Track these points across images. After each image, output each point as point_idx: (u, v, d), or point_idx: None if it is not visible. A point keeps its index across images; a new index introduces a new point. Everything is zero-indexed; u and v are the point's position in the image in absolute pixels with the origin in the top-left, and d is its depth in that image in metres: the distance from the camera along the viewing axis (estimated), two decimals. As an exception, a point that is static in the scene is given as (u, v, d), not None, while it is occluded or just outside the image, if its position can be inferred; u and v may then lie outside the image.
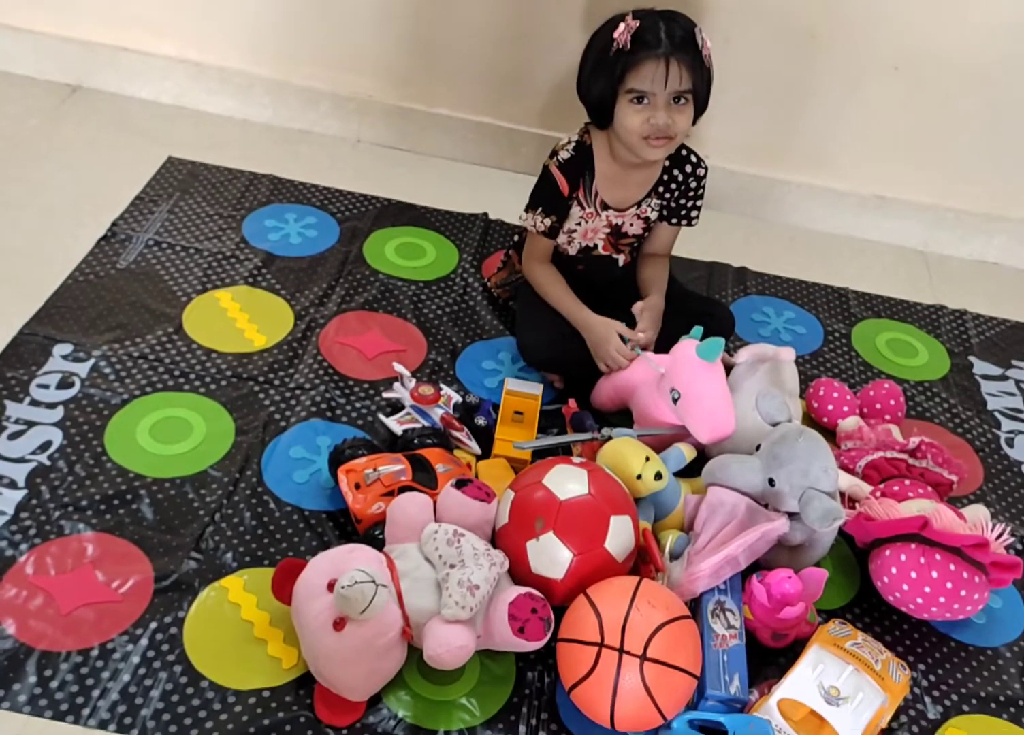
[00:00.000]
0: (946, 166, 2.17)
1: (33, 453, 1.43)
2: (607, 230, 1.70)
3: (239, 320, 1.73)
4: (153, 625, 1.25)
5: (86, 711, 1.15)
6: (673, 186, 1.68)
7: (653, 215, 1.71)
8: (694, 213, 1.73)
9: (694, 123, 1.57)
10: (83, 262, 1.78)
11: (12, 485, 1.38)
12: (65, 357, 1.59)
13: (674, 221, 1.73)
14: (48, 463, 1.42)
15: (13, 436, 1.45)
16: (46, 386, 1.53)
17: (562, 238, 1.71)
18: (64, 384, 1.54)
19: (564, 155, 1.63)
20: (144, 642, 1.23)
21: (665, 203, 1.70)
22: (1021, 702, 1.36)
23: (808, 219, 2.27)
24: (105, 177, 2.00)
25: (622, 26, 1.47)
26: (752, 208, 2.26)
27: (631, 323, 1.63)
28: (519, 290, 1.80)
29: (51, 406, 1.50)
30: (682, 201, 1.70)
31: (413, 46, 2.14)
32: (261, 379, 1.62)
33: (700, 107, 1.56)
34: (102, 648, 1.21)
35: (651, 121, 1.51)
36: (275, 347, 1.69)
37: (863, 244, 2.27)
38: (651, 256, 1.78)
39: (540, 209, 1.66)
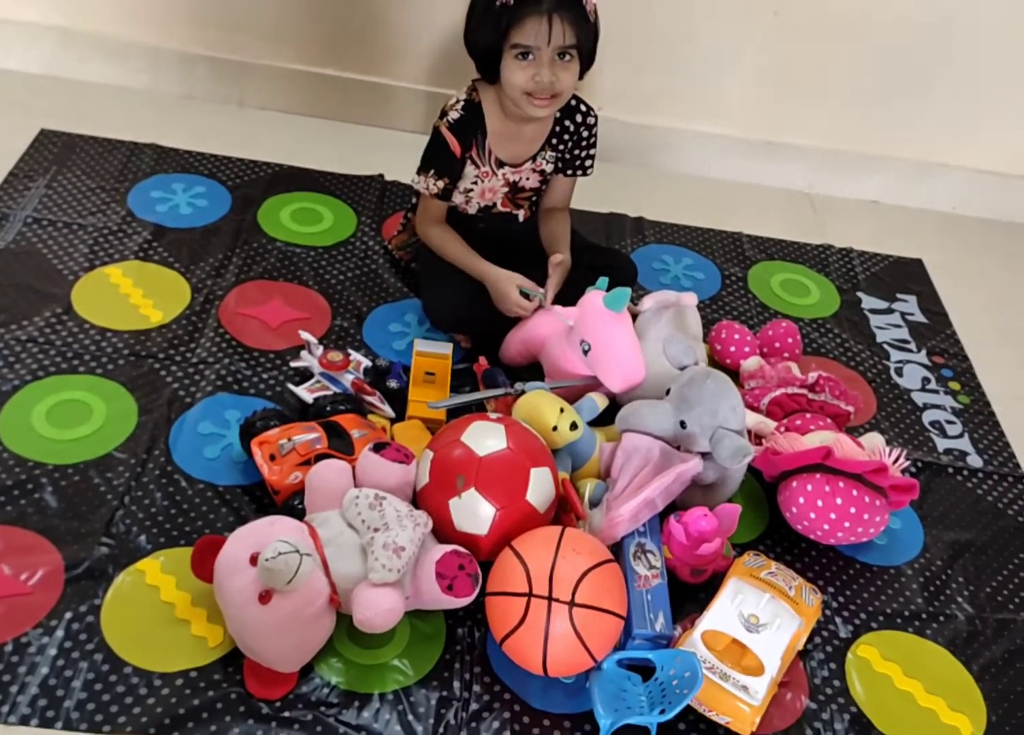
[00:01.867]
0: (828, 109, 2.23)
1: (-79, 448, 1.36)
2: (505, 189, 1.70)
3: (132, 296, 1.66)
4: (68, 615, 1.21)
5: (5, 708, 1.12)
6: (566, 137, 1.68)
7: (549, 168, 1.71)
8: (588, 162, 1.73)
9: (581, 77, 1.57)
10: (-43, 244, 1.69)
11: (-99, 483, 1.31)
12: (-54, 345, 1.51)
13: (569, 172, 1.74)
14: (-62, 457, 1.35)
15: None
16: (-72, 377, 1.46)
17: (459, 198, 1.70)
18: (-52, 374, 1.47)
19: (454, 115, 1.61)
20: (60, 633, 1.19)
21: (559, 155, 1.70)
22: (924, 615, 1.45)
23: (700, 167, 2.31)
24: (-27, 153, 1.90)
25: None
26: (645, 158, 2.29)
27: (540, 276, 1.63)
28: (420, 252, 1.78)
29: (-64, 398, 1.43)
30: (576, 151, 1.71)
31: (293, 5, 2.07)
32: (161, 356, 1.57)
33: (586, 62, 1.56)
34: (16, 643, 1.17)
35: (536, 78, 1.51)
36: (173, 322, 1.64)
37: (753, 189, 2.32)
38: (551, 210, 1.78)
39: (432, 171, 1.64)
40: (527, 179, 1.71)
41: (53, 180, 1.87)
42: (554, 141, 1.68)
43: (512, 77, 1.52)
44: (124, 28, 2.10)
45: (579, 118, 1.68)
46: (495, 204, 1.72)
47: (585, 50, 1.53)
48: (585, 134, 1.69)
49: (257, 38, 2.11)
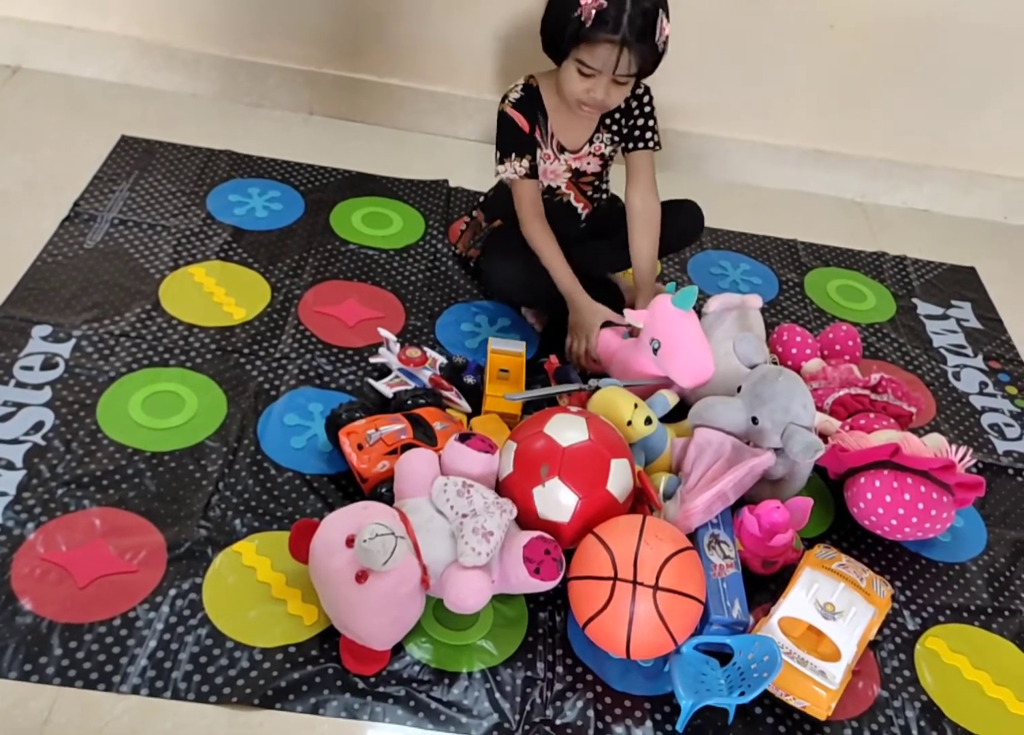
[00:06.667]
0: (879, 119, 2.27)
1: (26, 434, 1.42)
2: (568, 174, 1.76)
3: (216, 294, 1.73)
4: (172, 592, 1.27)
5: (117, 678, 1.17)
6: (617, 114, 1.72)
7: (607, 150, 1.76)
8: (648, 134, 1.71)
9: (637, 83, 1.65)
10: (49, 243, 1.76)
11: (10, 466, 1.37)
12: (45, 338, 1.57)
13: (632, 145, 1.73)
14: (43, 443, 1.42)
15: (3, 418, 1.44)
16: (30, 368, 1.52)
17: None
18: (48, 365, 1.53)
19: (515, 95, 1.68)
20: (165, 609, 1.25)
21: (616, 131, 1.74)
22: (989, 610, 1.48)
23: (753, 175, 2.35)
24: (58, 157, 1.97)
25: None
26: (701, 167, 2.34)
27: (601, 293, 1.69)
28: (487, 238, 1.82)
29: (38, 387, 1.50)
30: (630, 122, 1.72)
31: (361, 17, 2.14)
32: (246, 351, 1.63)
33: (644, 76, 1.61)
34: (124, 617, 1.23)
35: (590, 93, 1.58)
36: (255, 319, 1.70)
37: (805, 197, 2.37)
38: (637, 214, 1.74)
39: (513, 154, 1.68)
40: (588, 164, 1.76)
41: (136, 184, 1.94)
42: (608, 121, 1.72)
43: (569, 83, 1.59)
44: (196, 39, 2.18)
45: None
46: (559, 187, 1.77)
47: (645, 73, 1.60)
48: (635, 104, 1.70)
49: (325, 50, 2.19)
